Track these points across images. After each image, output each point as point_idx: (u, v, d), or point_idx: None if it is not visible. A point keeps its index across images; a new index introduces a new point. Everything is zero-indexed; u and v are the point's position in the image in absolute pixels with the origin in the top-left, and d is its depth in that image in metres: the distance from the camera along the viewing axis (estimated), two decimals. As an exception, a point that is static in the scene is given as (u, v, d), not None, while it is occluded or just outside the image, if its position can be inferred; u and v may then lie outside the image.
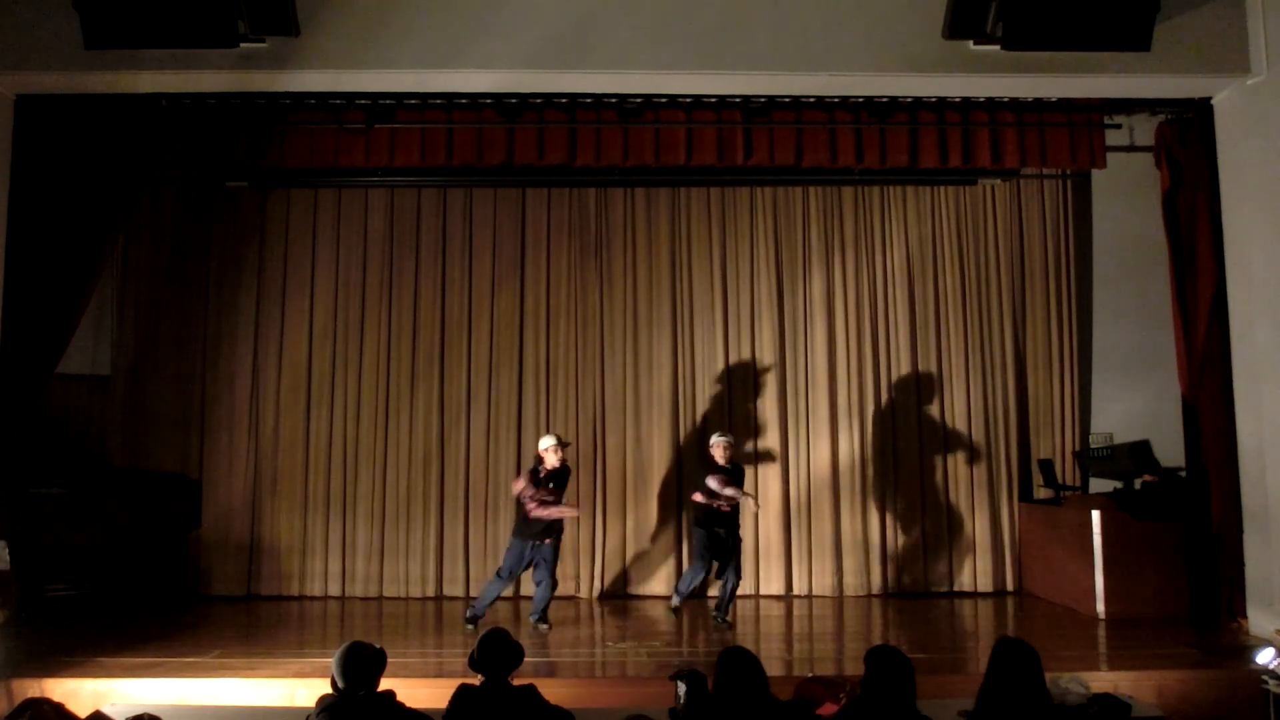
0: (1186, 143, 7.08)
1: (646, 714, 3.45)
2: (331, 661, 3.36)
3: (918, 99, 7.32)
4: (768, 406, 8.36)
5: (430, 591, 8.08)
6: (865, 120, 7.50)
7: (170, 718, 3.94)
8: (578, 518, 7.24)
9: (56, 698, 3.33)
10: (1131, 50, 5.96)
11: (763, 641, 6.39)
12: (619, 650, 6.13)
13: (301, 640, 6.75)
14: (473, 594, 7.98)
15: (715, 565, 6.95)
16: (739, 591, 7.10)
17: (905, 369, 8.41)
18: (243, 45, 5.87)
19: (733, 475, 6.93)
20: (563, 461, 6.81)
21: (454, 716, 3.40)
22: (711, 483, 6.80)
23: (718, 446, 6.94)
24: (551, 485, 6.70)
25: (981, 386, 8.39)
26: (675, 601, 7.10)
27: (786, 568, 8.17)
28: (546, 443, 6.76)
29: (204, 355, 8.32)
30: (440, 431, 8.28)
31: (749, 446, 8.26)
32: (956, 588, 8.15)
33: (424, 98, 7.26)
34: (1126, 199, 8.29)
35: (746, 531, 7.96)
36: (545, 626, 6.68)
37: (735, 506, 6.89)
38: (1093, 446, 8.00)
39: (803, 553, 8.19)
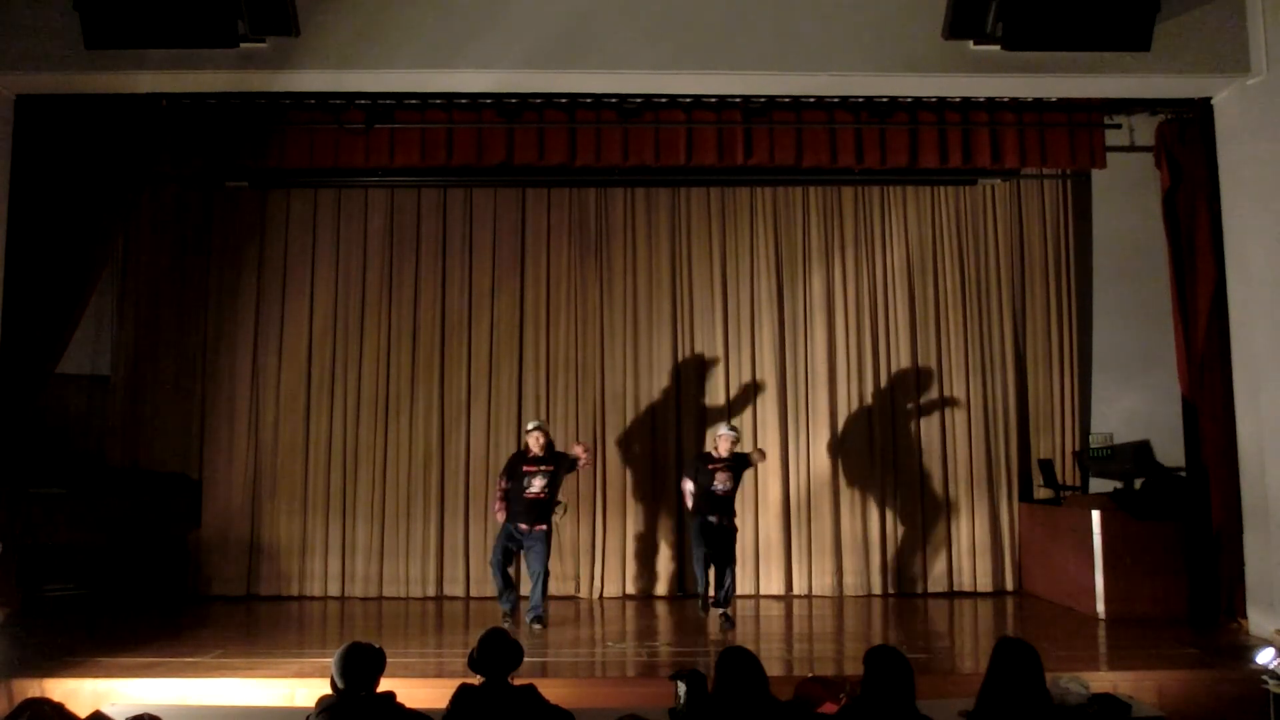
0: (1186, 143, 7.08)
1: (646, 714, 3.46)
2: (331, 662, 3.36)
3: (918, 99, 7.32)
4: (768, 406, 8.36)
5: (430, 591, 8.08)
6: (865, 120, 7.50)
7: (170, 718, 3.93)
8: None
9: (56, 698, 3.33)
10: (1131, 50, 5.96)
11: (763, 641, 6.38)
12: (619, 650, 6.13)
13: (301, 640, 6.75)
14: (473, 594, 8.04)
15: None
16: (739, 591, 7.07)
17: (905, 369, 8.41)
18: (243, 45, 5.86)
19: (734, 465, 6.94)
20: (546, 447, 6.82)
21: (454, 716, 3.40)
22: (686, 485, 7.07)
23: (724, 440, 6.94)
24: (542, 467, 6.73)
25: (981, 386, 8.38)
26: (722, 611, 6.84)
27: (786, 568, 8.16)
28: (529, 425, 6.95)
29: (204, 355, 8.32)
30: (440, 431, 8.28)
31: (749, 446, 8.24)
32: (956, 588, 8.15)
33: (424, 98, 7.26)
34: (1126, 199, 8.29)
35: (746, 531, 7.99)
36: (538, 627, 6.53)
37: (730, 494, 6.90)
38: (1093, 446, 8.00)
39: (803, 553, 8.19)
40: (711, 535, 6.85)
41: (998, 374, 8.41)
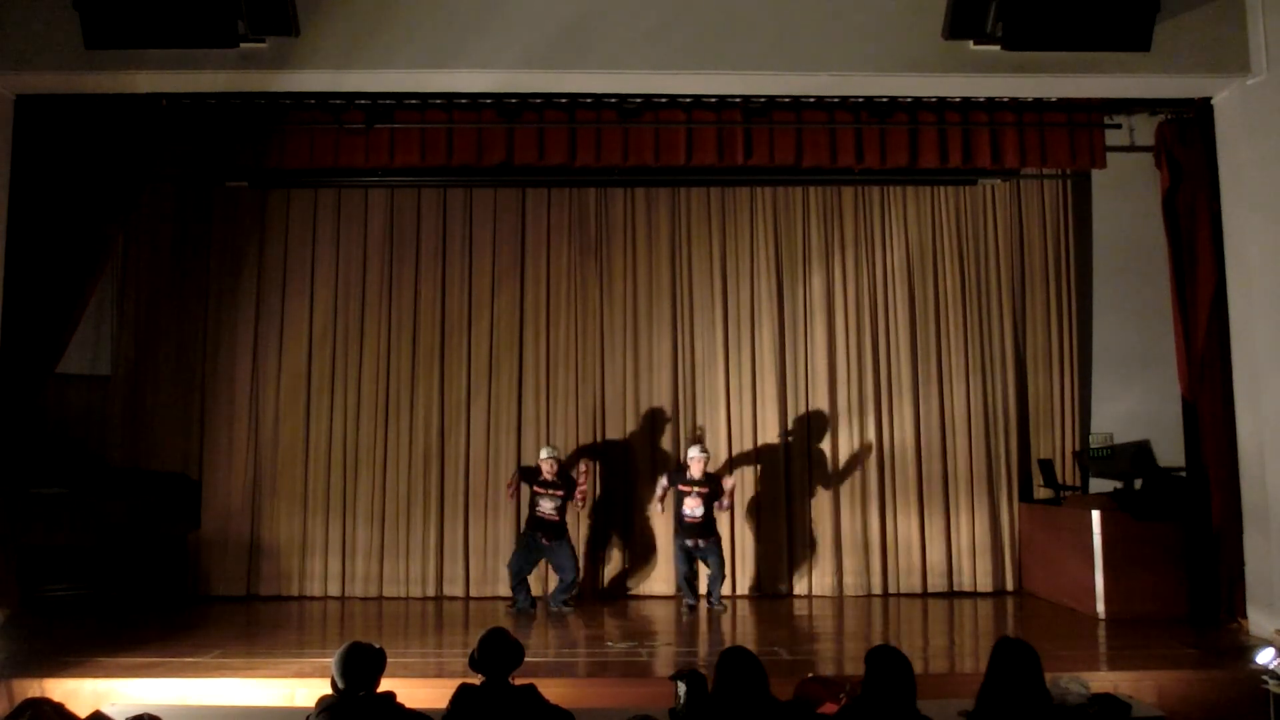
0: (1186, 143, 7.08)
1: (646, 714, 3.45)
2: (331, 662, 3.36)
3: (918, 99, 7.32)
4: (768, 406, 8.36)
5: (430, 591, 8.08)
6: (865, 120, 7.50)
7: (170, 718, 3.94)
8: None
9: (56, 698, 3.34)
10: (1131, 50, 5.95)
11: (763, 642, 6.38)
12: (619, 650, 6.13)
13: (301, 640, 6.75)
14: (473, 594, 8.08)
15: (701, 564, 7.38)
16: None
17: (905, 369, 8.40)
18: (243, 45, 5.85)
19: (706, 491, 7.26)
20: (557, 473, 7.29)
21: (454, 716, 3.40)
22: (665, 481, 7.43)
23: (695, 462, 7.27)
24: (552, 491, 7.27)
25: (981, 386, 8.38)
26: (690, 601, 7.36)
27: (787, 568, 8.17)
28: (542, 454, 7.40)
29: (204, 355, 8.31)
30: (440, 431, 8.28)
31: (749, 446, 8.27)
32: (956, 588, 8.14)
33: (424, 98, 7.26)
34: (1126, 199, 8.28)
35: (746, 531, 8.08)
36: (567, 609, 7.21)
37: (700, 520, 7.19)
38: (1093, 446, 7.99)
39: (803, 553, 8.19)
40: (693, 556, 7.31)
41: (998, 374, 8.41)
